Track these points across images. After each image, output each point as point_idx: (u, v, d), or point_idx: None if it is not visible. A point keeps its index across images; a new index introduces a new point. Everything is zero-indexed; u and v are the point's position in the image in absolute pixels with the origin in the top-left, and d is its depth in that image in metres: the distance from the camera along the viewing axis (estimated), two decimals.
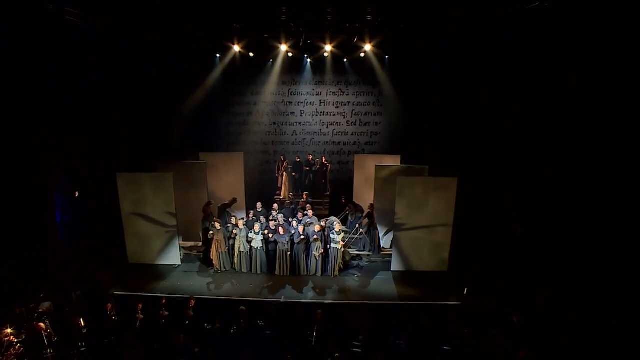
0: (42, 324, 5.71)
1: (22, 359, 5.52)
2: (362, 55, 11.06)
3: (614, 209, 6.24)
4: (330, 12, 7.99)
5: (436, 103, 10.94)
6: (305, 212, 8.70)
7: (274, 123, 12.43)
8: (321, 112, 12.38)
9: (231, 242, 8.05)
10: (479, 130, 9.81)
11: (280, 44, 10.36)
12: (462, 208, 8.10)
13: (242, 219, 8.34)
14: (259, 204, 9.11)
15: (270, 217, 8.50)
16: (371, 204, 9.12)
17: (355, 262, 8.64)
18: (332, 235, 7.81)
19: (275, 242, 7.86)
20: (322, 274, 8.02)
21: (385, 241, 9.33)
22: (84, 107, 8.22)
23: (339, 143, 12.54)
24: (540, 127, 7.98)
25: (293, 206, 9.68)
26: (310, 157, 11.63)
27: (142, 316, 6.32)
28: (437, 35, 9.23)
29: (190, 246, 9.30)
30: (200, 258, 8.72)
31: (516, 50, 8.33)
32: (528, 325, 6.01)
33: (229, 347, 5.74)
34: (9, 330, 5.66)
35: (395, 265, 8.28)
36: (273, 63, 11.64)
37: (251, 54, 11.14)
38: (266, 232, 7.90)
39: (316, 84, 12.13)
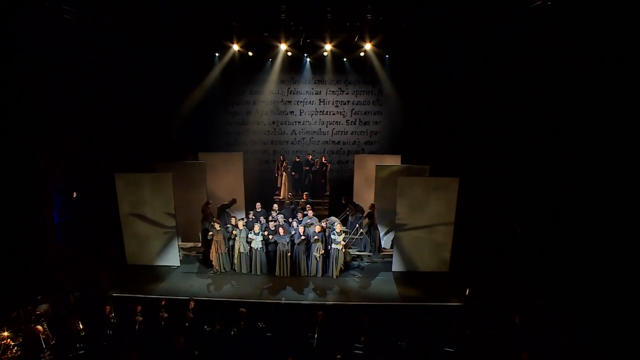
0: (39, 327, 5.65)
1: None
2: (362, 54, 11.03)
3: (614, 209, 6.23)
4: (330, 11, 7.94)
5: (436, 103, 10.93)
6: (305, 213, 8.66)
7: (273, 122, 12.38)
8: (321, 112, 12.34)
9: (231, 242, 8.00)
10: (479, 130, 9.81)
11: (280, 43, 10.31)
12: (463, 208, 8.08)
13: (242, 219, 8.29)
14: (258, 204, 9.06)
15: (270, 218, 8.45)
16: (372, 204, 9.09)
17: (355, 263, 8.60)
18: (332, 236, 7.77)
19: (275, 242, 7.81)
20: (322, 275, 7.97)
21: (386, 241, 9.30)
22: (83, 107, 8.20)
23: (338, 142, 12.50)
24: (540, 127, 7.97)
25: (293, 206, 9.63)
26: (310, 156, 11.58)
27: (141, 318, 6.26)
28: (438, 35, 9.22)
29: (190, 247, 9.23)
30: (200, 259, 8.66)
31: (516, 50, 8.32)
32: (530, 325, 6.00)
33: (229, 349, 5.70)
34: (5, 333, 5.59)
35: (396, 265, 8.25)
36: (272, 62, 11.58)
37: (250, 53, 11.09)
38: (266, 233, 7.84)
39: (316, 83, 12.08)
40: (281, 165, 11.06)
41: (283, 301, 7.03)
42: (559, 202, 7.42)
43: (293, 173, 11.25)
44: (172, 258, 8.38)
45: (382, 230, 9.23)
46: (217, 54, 11.26)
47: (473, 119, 10.02)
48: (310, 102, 12.26)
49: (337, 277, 7.92)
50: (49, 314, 6.16)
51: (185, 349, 5.50)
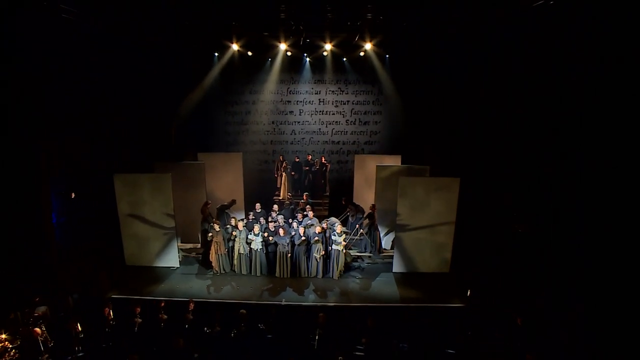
0: (37, 329, 5.58)
1: None
2: (362, 54, 11.00)
3: (614, 209, 6.22)
4: (330, 10, 7.90)
5: (436, 103, 10.91)
6: (306, 213, 8.62)
7: (273, 122, 12.34)
8: (320, 111, 12.30)
9: (230, 243, 7.95)
10: (479, 131, 9.80)
11: (280, 42, 10.26)
12: (463, 208, 8.06)
13: (242, 220, 8.25)
14: (257, 205, 9.02)
15: (270, 219, 8.41)
16: (373, 205, 9.06)
17: (356, 264, 8.57)
18: (333, 237, 7.73)
19: (275, 243, 7.76)
20: (323, 276, 7.94)
21: (386, 242, 9.27)
22: (82, 108, 8.19)
23: (338, 142, 12.47)
24: (540, 128, 7.96)
25: (292, 207, 9.59)
26: (310, 157, 11.54)
27: (140, 320, 6.21)
28: (438, 35, 9.21)
29: (189, 248, 9.19)
30: (199, 260, 8.61)
31: (516, 51, 8.32)
32: (531, 326, 5.98)
33: (229, 352, 5.67)
34: (3, 336, 5.55)
35: (397, 266, 8.22)
36: (272, 62, 11.54)
37: (250, 53, 11.04)
38: (266, 234, 7.80)
39: (315, 83, 12.05)
40: (281, 166, 11.02)
41: (283, 303, 6.99)
42: (559, 203, 7.41)
43: (293, 173, 11.21)
44: (171, 259, 8.33)
45: (382, 231, 9.20)
46: (216, 54, 11.21)
47: (473, 120, 10.01)
48: (309, 102, 12.22)
49: (338, 278, 7.88)
50: (47, 316, 6.10)
51: (184, 351, 5.45)
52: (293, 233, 7.89)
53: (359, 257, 8.80)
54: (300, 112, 12.30)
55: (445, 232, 7.97)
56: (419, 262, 8.18)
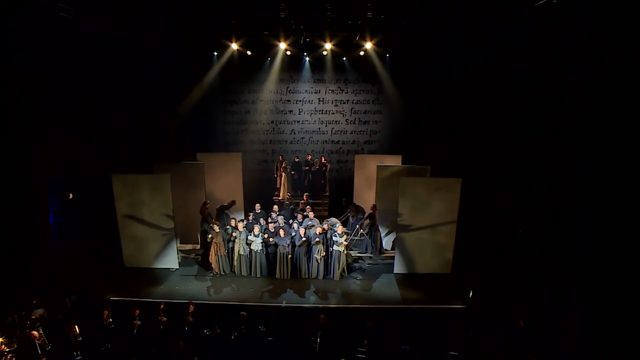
0: (35, 332, 5.50)
1: None
2: (362, 53, 10.96)
3: (614, 209, 6.22)
4: (330, 9, 7.85)
5: (436, 102, 10.89)
6: (306, 214, 8.57)
7: (272, 122, 12.29)
8: (320, 111, 12.25)
9: (230, 244, 7.89)
10: (479, 130, 9.78)
11: (279, 42, 10.21)
12: (463, 208, 8.04)
13: (242, 220, 8.19)
14: (257, 206, 8.96)
15: (270, 220, 8.35)
16: (374, 205, 9.02)
17: (357, 265, 8.53)
18: (334, 238, 7.69)
19: (275, 244, 7.71)
20: (323, 277, 7.89)
21: (386, 242, 9.24)
22: (81, 107, 8.14)
23: (337, 142, 12.43)
24: (540, 128, 7.95)
25: (292, 207, 9.54)
26: (309, 157, 11.49)
27: (139, 322, 6.15)
28: (438, 34, 9.19)
29: (189, 249, 9.12)
30: (199, 261, 8.55)
31: (516, 50, 8.30)
32: (533, 327, 5.97)
33: (229, 354, 5.64)
34: None
35: (398, 267, 8.18)
36: (271, 61, 11.48)
37: (249, 52, 10.97)
38: (266, 236, 7.74)
39: (315, 82, 12.00)
40: (280, 166, 10.97)
41: (284, 304, 6.94)
42: (559, 202, 7.40)
43: (292, 173, 11.16)
44: (170, 260, 8.27)
45: (383, 232, 9.17)
46: (215, 53, 11.14)
47: (473, 119, 9.99)
48: (309, 101, 12.17)
49: (339, 279, 7.84)
50: (44, 318, 6.03)
51: (184, 353, 5.40)
52: (293, 234, 7.84)
53: (359, 258, 8.76)
54: (299, 112, 12.25)
55: (446, 232, 7.93)
56: (421, 263, 8.14)
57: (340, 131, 12.34)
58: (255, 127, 12.26)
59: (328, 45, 10.49)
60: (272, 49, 10.82)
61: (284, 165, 10.91)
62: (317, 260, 7.79)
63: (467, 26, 8.47)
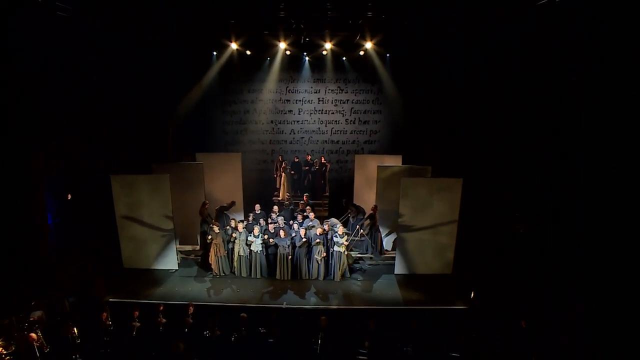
0: (33, 334, 5.46)
1: None
2: (362, 53, 10.94)
3: (614, 209, 6.22)
4: (330, 8, 7.83)
5: (436, 102, 10.88)
6: (306, 214, 8.54)
7: (272, 122, 12.26)
8: (320, 111, 12.23)
9: (230, 245, 7.85)
10: (479, 131, 9.77)
11: (279, 41, 10.18)
12: (463, 208, 8.03)
13: (242, 221, 8.15)
14: (257, 206, 8.92)
15: (270, 220, 8.32)
16: (375, 206, 9.00)
17: (357, 265, 8.51)
18: (335, 238, 7.66)
19: (275, 245, 7.68)
20: (324, 278, 7.86)
21: (387, 243, 9.22)
22: (80, 107, 8.11)
23: (337, 142, 12.40)
24: (540, 128, 7.94)
25: (292, 207, 9.51)
26: (309, 157, 11.46)
27: (138, 324, 6.12)
28: (438, 35, 9.18)
29: (188, 250, 9.08)
30: (198, 262, 8.50)
31: (516, 50, 8.30)
32: (533, 327, 5.96)
33: (229, 356, 5.61)
34: None
35: (399, 268, 8.16)
36: (271, 61, 11.46)
37: (248, 52, 10.94)
38: (266, 236, 7.71)
39: (315, 82, 11.98)
40: (280, 166, 10.94)
41: (284, 306, 6.91)
42: (559, 203, 7.40)
43: (292, 173, 11.12)
44: (170, 261, 8.22)
45: (383, 232, 9.15)
46: (214, 53, 11.10)
47: (473, 119, 9.99)
48: (309, 101, 12.14)
49: (340, 279, 7.81)
50: (43, 320, 5.98)
51: (184, 355, 5.36)
52: (293, 234, 7.81)
53: (360, 258, 8.73)
54: (299, 112, 12.22)
55: (447, 233, 7.92)
56: (422, 264, 8.12)
57: (340, 131, 12.32)
58: (255, 127, 12.23)
59: (328, 45, 10.47)
60: (271, 49, 10.80)
61: (283, 165, 10.87)
62: (317, 261, 7.76)
63: (467, 27, 8.47)
